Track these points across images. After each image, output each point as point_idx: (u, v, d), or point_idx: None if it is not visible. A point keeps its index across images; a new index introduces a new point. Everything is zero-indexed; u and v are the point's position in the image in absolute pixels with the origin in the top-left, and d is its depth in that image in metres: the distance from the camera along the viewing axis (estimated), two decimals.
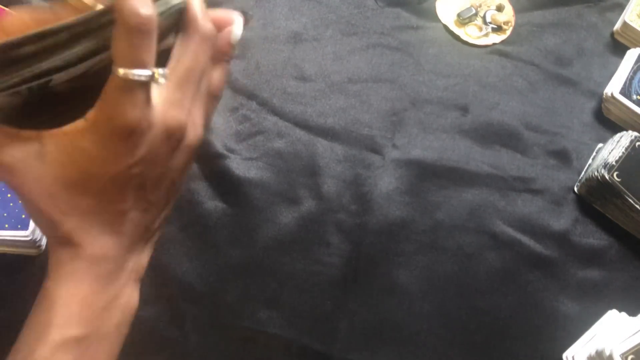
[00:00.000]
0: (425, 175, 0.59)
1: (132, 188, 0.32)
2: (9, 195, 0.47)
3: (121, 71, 0.28)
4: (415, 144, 0.60)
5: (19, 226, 0.47)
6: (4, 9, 0.53)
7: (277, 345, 0.52)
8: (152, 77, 0.29)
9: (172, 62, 0.33)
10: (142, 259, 0.36)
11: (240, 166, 0.56)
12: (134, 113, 0.29)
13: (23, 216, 0.47)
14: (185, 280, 0.52)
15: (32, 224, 0.47)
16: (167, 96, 0.32)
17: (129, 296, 0.34)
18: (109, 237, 0.33)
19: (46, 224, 0.32)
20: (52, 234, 0.32)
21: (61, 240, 0.32)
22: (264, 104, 0.59)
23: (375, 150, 0.59)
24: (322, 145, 0.58)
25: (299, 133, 0.58)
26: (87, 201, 0.31)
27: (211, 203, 0.55)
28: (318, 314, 0.53)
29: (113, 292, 0.33)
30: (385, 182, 0.58)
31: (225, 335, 0.52)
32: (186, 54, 0.33)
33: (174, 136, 0.32)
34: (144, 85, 0.29)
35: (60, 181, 0.31)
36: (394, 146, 0.59)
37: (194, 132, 0.35)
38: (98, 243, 0.32)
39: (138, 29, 0.28)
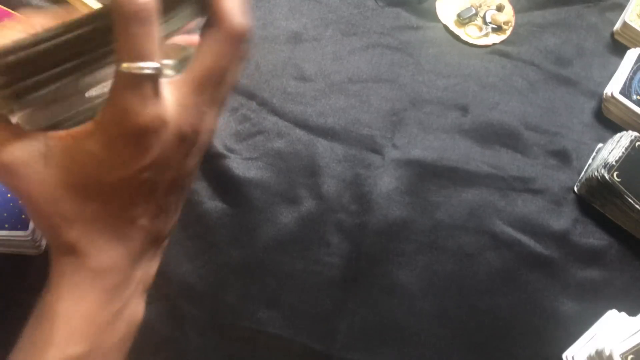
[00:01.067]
0: (425, 175, 0.59)
1: (142, 194, 0.30)
2: (8, 195, 0.47)
3: (125, 66, 0.26)
4: (415, 144, 0.60)
5: (19, 226, 0.46)
6: (4, 9, 0.53)
7: (277, 345, 0.52)
8: (159, 70, 0.26)
9: (193, 60, 0.30)
10: (150, 268, 0.33)
11: (240, 166, 0.56)
12: (144, 112, 0.26)
13: (23, 216, 0.47)
14: (185, 280, 0.52)
15: (32, 224, 0.47)
16: (182, 98, 0.29)
17: (135, 308, 0.32)
18: (116, 247, 0.30)
19: (49, 230, 0.30)
20: (54, 241, 0.30)
21: (64, 248, 0.30)
22: (264, 104, 0.59)
23: (375, 150, 0.59)
24: (322, 145, 0.58)
25: (299, 133, 0.58)
26: (93, 207, 0.29)
27: (211, 203, 0.55)
28: (318, 314, 0.53)
29: (119, 306, 0.31)
30: (385, 182, 0.58)
31: (225, 335, 0.52)
32: (209, 53, 0.29)
33: (187, 141, 0.30)
34: (152, 80, 0.26)
35: (64, 185, 0.28)
36: (394, 146, 0.59)
37: (205, 137, 0.32)
38: (104, 253, 0.30)
39: (135, 17, 0.25)
